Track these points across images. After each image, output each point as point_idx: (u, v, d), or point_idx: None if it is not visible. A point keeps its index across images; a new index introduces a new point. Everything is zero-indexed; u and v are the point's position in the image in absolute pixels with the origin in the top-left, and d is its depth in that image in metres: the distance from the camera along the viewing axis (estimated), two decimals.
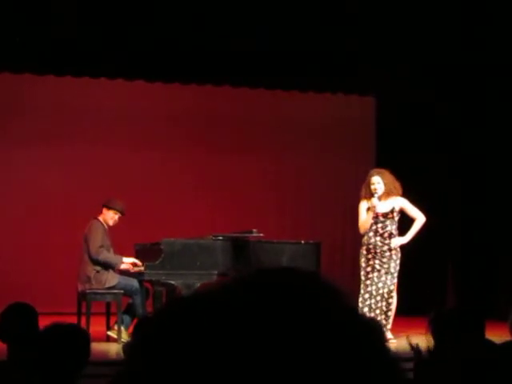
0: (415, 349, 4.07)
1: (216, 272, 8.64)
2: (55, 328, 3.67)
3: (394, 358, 0.77)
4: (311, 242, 9.55)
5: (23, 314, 4.70)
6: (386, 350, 0.76)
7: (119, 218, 9.26)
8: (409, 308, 11.92)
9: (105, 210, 9.24)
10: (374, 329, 0.77)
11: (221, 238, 9.14)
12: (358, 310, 0.78)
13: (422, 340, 4.39)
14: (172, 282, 8.67)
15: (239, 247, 9.06)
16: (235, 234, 9.40)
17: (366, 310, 8.84)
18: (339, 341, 0.73)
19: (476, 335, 4.05)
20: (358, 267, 12.99)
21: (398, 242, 9.09)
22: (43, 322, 3.87)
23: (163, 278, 8.75)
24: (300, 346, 0.71)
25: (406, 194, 13.43)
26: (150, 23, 11.36)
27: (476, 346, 3.09)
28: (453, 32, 12.23)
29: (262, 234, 9.31)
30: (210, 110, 13.50)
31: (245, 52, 11.88)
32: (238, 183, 13.70)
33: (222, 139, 13.64)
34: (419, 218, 9.25)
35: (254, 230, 9.23)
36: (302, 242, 9.54)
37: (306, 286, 0.77)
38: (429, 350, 4.10)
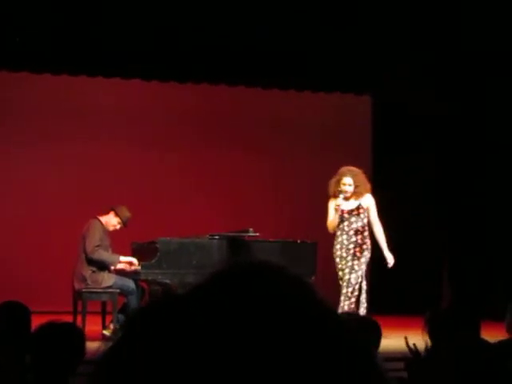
0: (412, 349, 4.07)
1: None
2: (51, 326, 3.67)
3: (368, 353, 0.77)
4: (308, 241, 9.55)
5: (15, 312, 4.68)
6: (358, 344, 0.77)
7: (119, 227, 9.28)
8: (404, 307, 11.92)
9: (112, 215, 9.21)
10: (343, 323, 0.77)
11: (217, 237, 9.14)
12: (326, 302, 0.78)
13: (419, 339, 4.39)
14: (168, 282, 8.66)
15: (235, 246, 9.06)
16: (232, 234, 9.39)
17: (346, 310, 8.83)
18: (310, 335, 0.73)
19: (471, 335, 4.05)
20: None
21: (390, 260, 9.04)
22: (39, 321, 3.86)
23: (159, 277, 8.74)
24: (271, 342, 0.72)
25: (402, 193, 13.46)
26: (146, 22, 11.35)
27: (470, 345, 3.10)
28: (451, 31, 12.22)
29: (258, 234, 9.31)
30: (207, 109, 13.48)
31: (241, 51, 11.88)
32: (234, 182, 13.69)
33: (218, 138, 13.62)
34: (379, 231, 9.15)
35: (251, 230, 9.23)
36: (298, 241, 9.54)
37: (278, 282, 0.77)
38: (426, 350, 4.10)
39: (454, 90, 12.90)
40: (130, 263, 9.06)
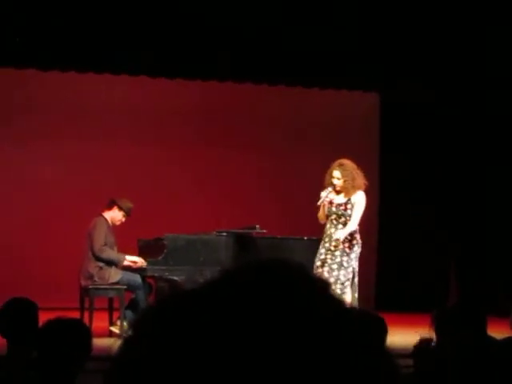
0: (424, 342, 4.08)
1: (219, 268, 8.59)
2: (57, 322, 3.68)
3: (383, 349, 0.77)
4: (314, 237, 9.54)
5: (22, 309, 4.69)
6: (372, 341, 0.77)
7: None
8: (412, 305, 11.92)
9: (116, 210, 9.18)
10: (355, 318, 0.77)
11: (224, 233, 9.14)
12: (340, 301, 0.78)
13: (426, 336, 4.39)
14: (175, 278, 8.66)
15: (242, 243, 9.07)
16: (238, 230, 9.40)
17: None
18: (323, 333, 0.73)
19: (477, 331, 4.05)
20: (359, 263, 12.79)
21: (340, 235, 8.77)
22: (47, 317, 3.88)
23: (166, 273, 8.74)
24: (283, 339, 0.72)
25: (410, 191, 13.45)
26: (153, 18, 11.35)
27: (476, 342, 3.10)
28: (456, 33, 12.21)
29: (264, 230, 9.31)
30: (213, 106, 13.48)
31: (248, 47, 11.87)
32: (241, 179, 13.68)
33: (224, 135, 13.62)
34: (349, 226, 8.79)
35: (257, 226, 9.23)
36: (305, 238, 9.53)
37: (295, 280, 0.77)
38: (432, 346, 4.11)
39: (457, 88, 12.88)
40: (135, 263, 9.05)
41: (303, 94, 13.54)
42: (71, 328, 3.70)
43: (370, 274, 14.24)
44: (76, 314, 7.91)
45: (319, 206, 8.94)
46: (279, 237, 9.55)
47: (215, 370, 0.70)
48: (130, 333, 0.77)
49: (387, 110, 14.19)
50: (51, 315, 3.82)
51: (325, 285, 0.78)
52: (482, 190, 12.92)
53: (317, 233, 10.03)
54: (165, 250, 8.79)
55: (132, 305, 8.98)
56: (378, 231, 14.06)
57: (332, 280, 8.62)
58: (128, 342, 0.76)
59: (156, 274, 8.87)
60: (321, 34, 11.94)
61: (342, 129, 14.16)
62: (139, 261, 9.02)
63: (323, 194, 8.90)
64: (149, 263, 8.84)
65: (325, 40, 12.00)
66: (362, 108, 14.26)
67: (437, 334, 4.34)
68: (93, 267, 8.94)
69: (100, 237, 8.98)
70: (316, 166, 14.08)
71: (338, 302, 0.77)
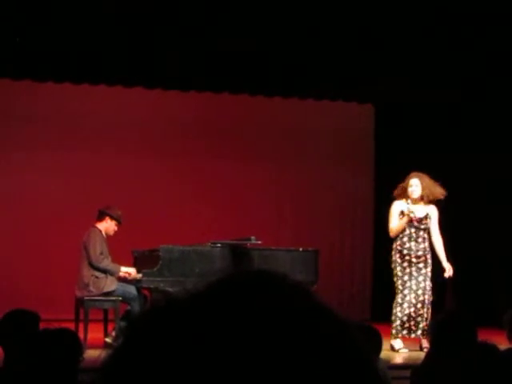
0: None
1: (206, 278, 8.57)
2: (43, 333, 3.70)
3: (368, 357, 0.77)
4: (309, 249, 9.54)
5: (21, 320, 4.70)
6: (359, 347, 0.77)
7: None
8: None
9: (108, 220, 9.19)
10: (347, 328, 0.77)
11: (219, 245, 9.14)
12: (329, 309, 0.78)
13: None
14: (170, 289, 8.65)
15: (238, 254, 9.06)
16: (234, 241, 9.39)
17: (405, 319, 8.79)
18: (315, 344, 0.73)
19: (468, 342, 4.05)
20: (355, 274, 12.94)
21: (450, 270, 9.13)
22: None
23: (161, 285, 8.73)
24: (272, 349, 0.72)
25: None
26: (148, 30, 11.36)
27: (467, 352, 3.10)
28: (453, 42, 12.24)
29: (260, 242, 9.30)
30: (209, 117, 13.50)
31: (244, 59, 11.89)
32: (236, 191, 13.69)
33: (220, 146, 13.64)
34: (439, 241, 9.26)
35: (253, 237, 9.22)
36: (300, 249, 9.53)
37: (279, 288, 0.77)
38: (427, 357, 4.10)
39: (454, 98, 12.91)
40: (130, 274, 9.06)
41: (300, 106, 13.58)
42: (59, 336, 3.71)
43: (366, 285, 14.25)
44: (71, 326, 7.89)
45: (408, 217, 9.06)
46: (274, 248, 9.54)
47: (204, 378, 0.70)
48: (120, 340, 0.77)
49: (382, 121, 14.23)
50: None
51: (313, 294, 0.78)
52: (480, 199, 12.92)
53: (316, 244, 10.02)
54: (160, 262, 8.78)
55: (127, 316, 8.97)
56: (374, 242, 14.07)
57: (420, 292, 8.90)
58: (118, 350, 0.76)
59: (151, 286, 8.86)
60: (316, 44, 11.96)
61: (338, 139, 14.19)
62: (133, 272, 9.04)
63: (412, 207, 9.02)
64: (144, 274, 8.83)
65: (321, 50, 12.03)
66: (357, 119, 14.30)
67: (432, 345, 4.34)
68: (88, 276, 8.95)
69: (96, 246, 9.00)
70: (312, 176, 14.12)
71: (329, 311, 0.77)
